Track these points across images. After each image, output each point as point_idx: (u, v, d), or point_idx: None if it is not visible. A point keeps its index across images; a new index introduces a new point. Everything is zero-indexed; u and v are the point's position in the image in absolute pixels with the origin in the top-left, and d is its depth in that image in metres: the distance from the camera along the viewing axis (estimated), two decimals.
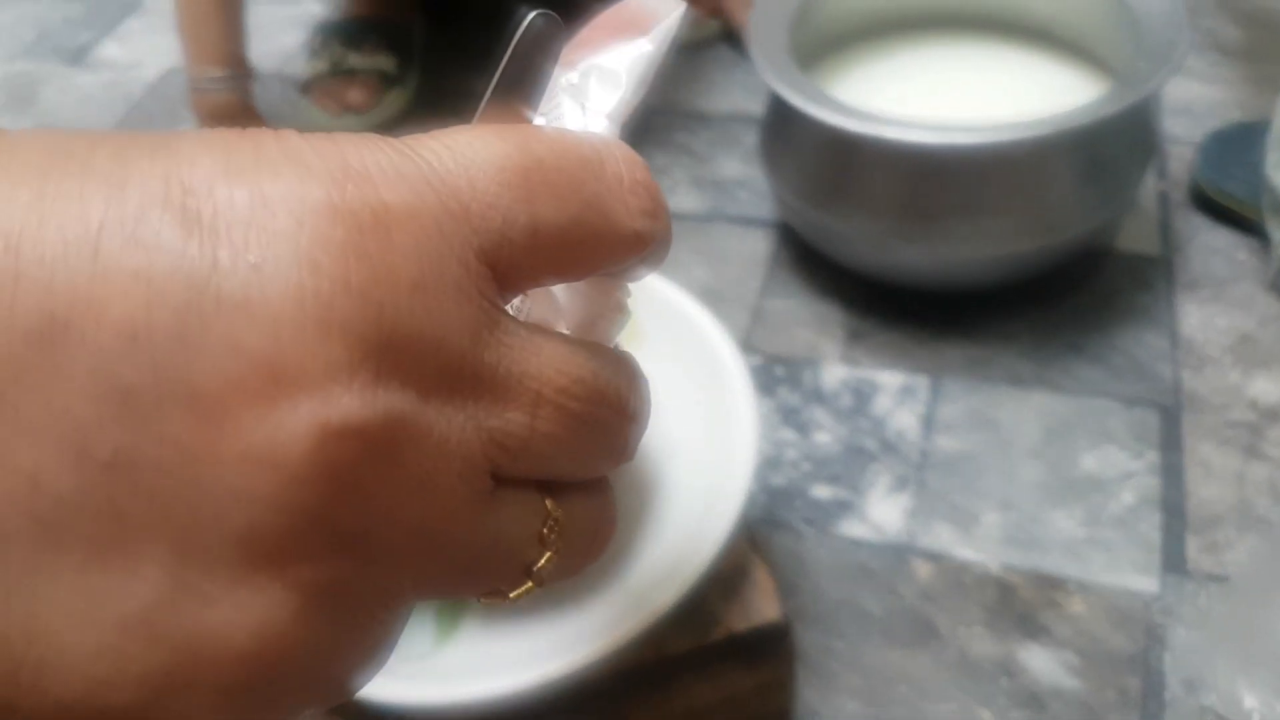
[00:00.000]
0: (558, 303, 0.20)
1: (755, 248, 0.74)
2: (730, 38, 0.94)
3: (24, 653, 0.13)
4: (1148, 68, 0.59)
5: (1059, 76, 0.70)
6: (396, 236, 0.14)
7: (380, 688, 0.39)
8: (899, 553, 0.55)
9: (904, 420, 0.62)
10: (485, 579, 0.17)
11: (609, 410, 0.17)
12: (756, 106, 0.73)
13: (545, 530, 0.17)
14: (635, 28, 0.21)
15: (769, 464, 0.60)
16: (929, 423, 0.61)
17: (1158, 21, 0.62)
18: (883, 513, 0.57)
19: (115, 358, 0.13)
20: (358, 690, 0.16)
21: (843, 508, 0.58)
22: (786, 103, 0.61)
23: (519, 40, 0.18)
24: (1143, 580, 0.53)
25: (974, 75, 0.72)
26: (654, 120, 0.87)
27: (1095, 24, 0.68)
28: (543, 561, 0.18)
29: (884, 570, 0.55)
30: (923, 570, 0.54)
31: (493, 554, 0.17)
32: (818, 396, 0.64)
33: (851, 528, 0.57)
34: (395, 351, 0.14)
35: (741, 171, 0.80)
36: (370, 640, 0.16)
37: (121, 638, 0.14)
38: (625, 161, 0.17)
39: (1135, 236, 0.71)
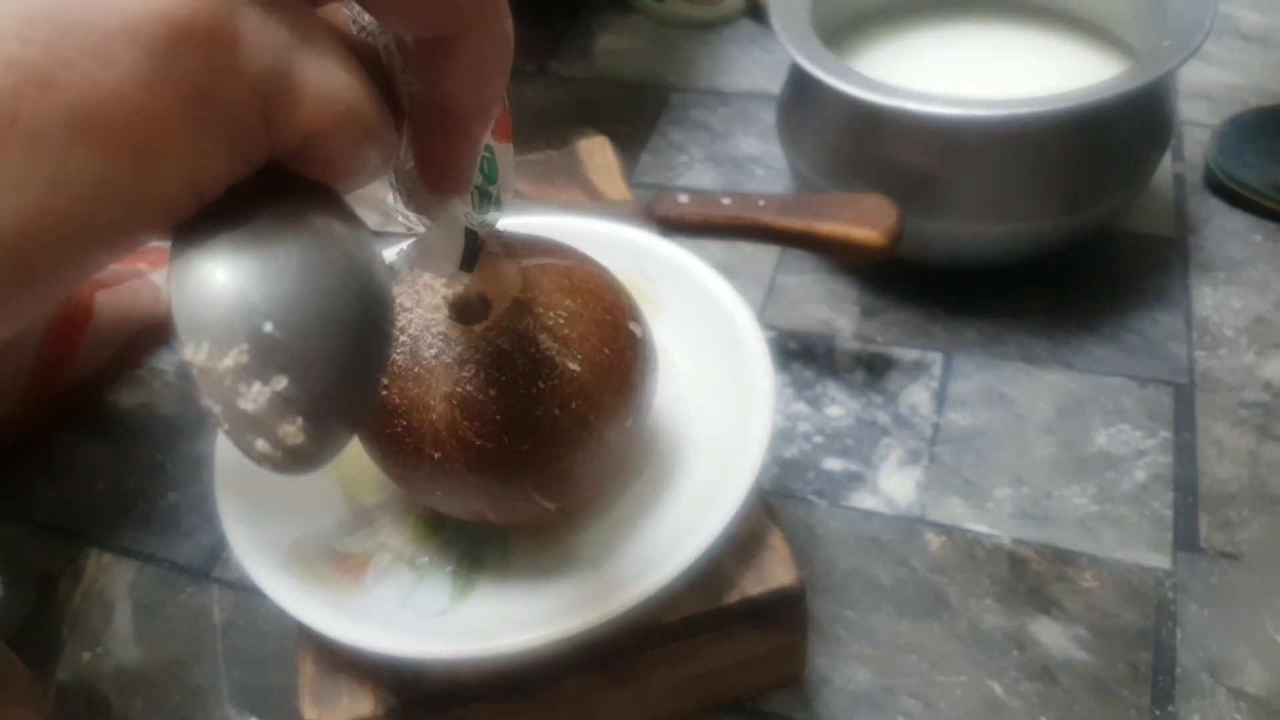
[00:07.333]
0: None
1: None
2: (755, 12, 0.94)
3: None
4: (1171, 50, 0.59)
5: (1081, 59, 0.70)
6: None
7: (397, 642, 0.40)
8: (910, 525, 0.56)
9: (917, 395, 0.62)
10: None
11: None
12: (774, 85, 0.73)
13: None
14: None
15: (782, 436, 0.60)
16: (942, 398, 0.61)
17: (1183, 3, 0.62)
18: (895, 486, 0.57)
19: None
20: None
21: (855, 480, 0.58)
22: (807, 75, 0.61)
23: None
24: (1155, 557, 0.53)
25: (995, 57, 0.71)
26: (672, 98, 0.87)
27: (1119, 6, 0.68)
28: None
29: (895, 542, 0.55)
30: (934, 542, 0.55)
31: None
32: (831, 371, 0.64)
33: (863, 500, 0.57)
34: None
35: (759, 148, 0.80)
36: None
37: None
38: None
39: (1150, 218, 0.71)
